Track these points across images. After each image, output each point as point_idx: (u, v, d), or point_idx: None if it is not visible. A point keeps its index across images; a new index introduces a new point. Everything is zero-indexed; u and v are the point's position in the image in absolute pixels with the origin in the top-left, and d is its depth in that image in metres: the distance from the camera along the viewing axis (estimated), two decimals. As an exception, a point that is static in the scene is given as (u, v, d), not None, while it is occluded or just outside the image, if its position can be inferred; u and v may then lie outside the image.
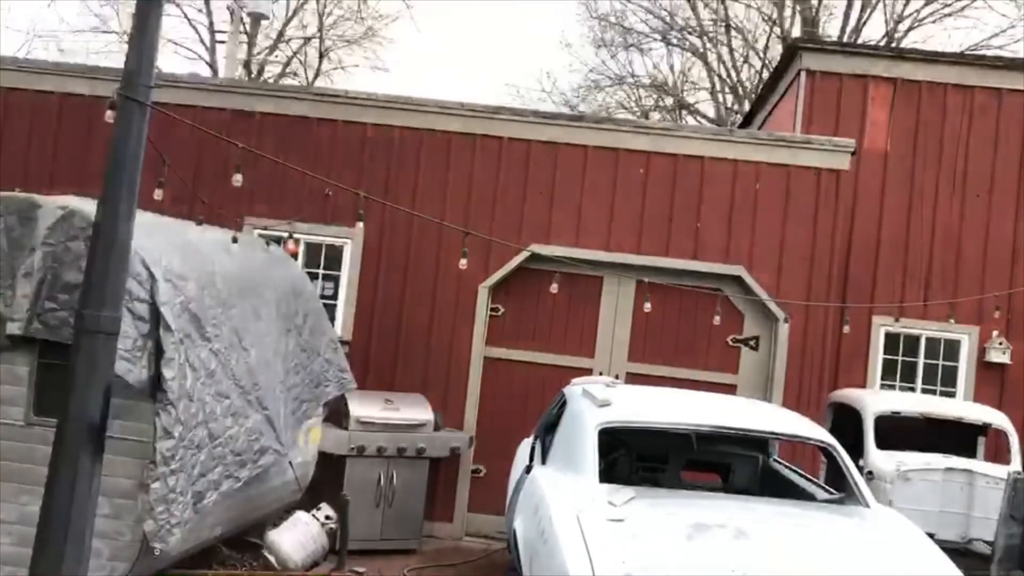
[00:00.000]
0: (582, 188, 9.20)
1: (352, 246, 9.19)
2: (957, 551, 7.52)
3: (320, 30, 27.17)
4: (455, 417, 8.98)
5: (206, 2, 25.95)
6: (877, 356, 10.79)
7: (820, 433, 6.12)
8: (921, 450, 8.83)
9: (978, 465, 8.58)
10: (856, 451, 8.48)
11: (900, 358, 10.84)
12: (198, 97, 9.37)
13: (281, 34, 27.28)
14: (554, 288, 8.42)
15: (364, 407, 8.12)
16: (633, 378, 9.09)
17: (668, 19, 26.77)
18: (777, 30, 25.19)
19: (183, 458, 5.41)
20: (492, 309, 9.28)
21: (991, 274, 10.73)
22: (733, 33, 26.24)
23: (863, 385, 10.67)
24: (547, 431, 6.81)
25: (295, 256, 8.75)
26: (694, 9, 26.32)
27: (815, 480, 6.89)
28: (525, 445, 7.53)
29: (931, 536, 5.90)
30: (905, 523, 5.53)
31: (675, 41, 27.33)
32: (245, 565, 6.87)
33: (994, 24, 37.31)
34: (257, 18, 20.61)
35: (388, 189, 9.20)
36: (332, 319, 8.85)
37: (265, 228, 8.93)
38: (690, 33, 26.87)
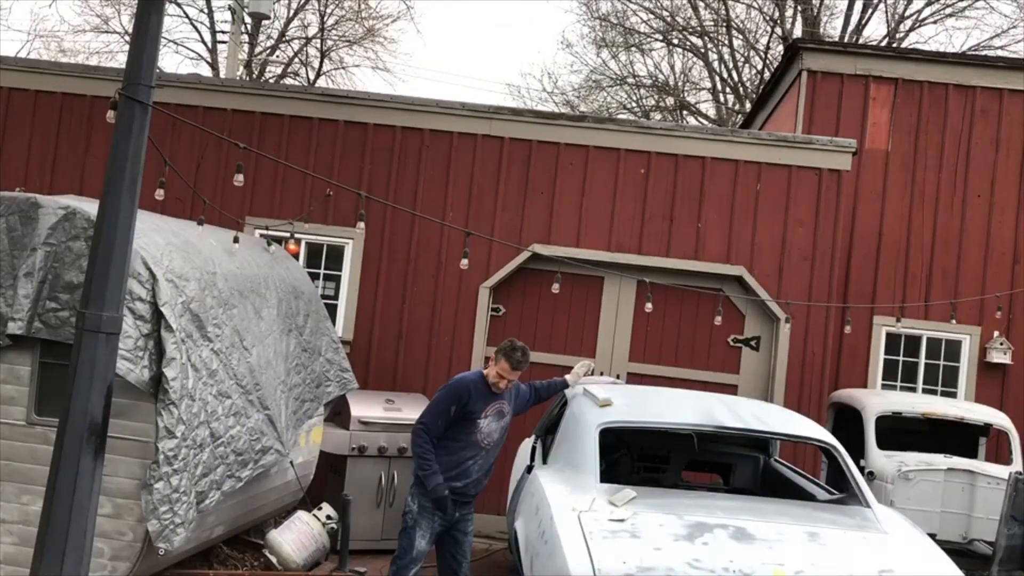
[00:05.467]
0: (583, 188, 9.21)
1: (353, 246, 9.20)
2: (958, 551, 7.53)
3: (321, 30, 27.20)
4: (456, 417, 8.97)
5: (207, 2, 26.00)
6: (878, 356, 10.79)
7: (821, 433, 6.12)
8: (922, 450, 8.83)
9: (979, 465, 8.58)
10: (857, 451, 8.49)
11: (901, 358, 10.83)
12: (199, 97, 9.38)
13: (282, 34, 27.31)
14: (555, 288, 8.43)
15: (365, 407, 8.12)
16: (634, 378, 9.09)
17: (669, 19, 26.77)
18: (778, 30, 25.19)
19: (186, 458, 5.42)
20: (493, 309, 9.29)
21: (992, 274, 10.73)
22: (734, 33, 26.26)
23: (864, 385, 10.66)
24: (548, 431, 6.81)
25: (296, 256, 8.75)
26: (695, 9, 26.33)
27: (816, 480, 6.88)
28: (526, 445, 7.53)
29: (932, 536, 5.91)
30: (906, 524, 5.53)
31: (676, 41, 27.34)
32: (246, 565, 6.87)
33: (995, 25, 37.36)
34: (258, 18, 20.64)
35: (389, 189, 9.21)
36: (333, 319, 8.86)
37: (266, 228, 8.92)
38: (691, 33, 26.87)
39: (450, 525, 5.98)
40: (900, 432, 9.10)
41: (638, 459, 7.44)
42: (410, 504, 5.91)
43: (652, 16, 26.96)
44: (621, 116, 27.21)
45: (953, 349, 10.77)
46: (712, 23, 26.47)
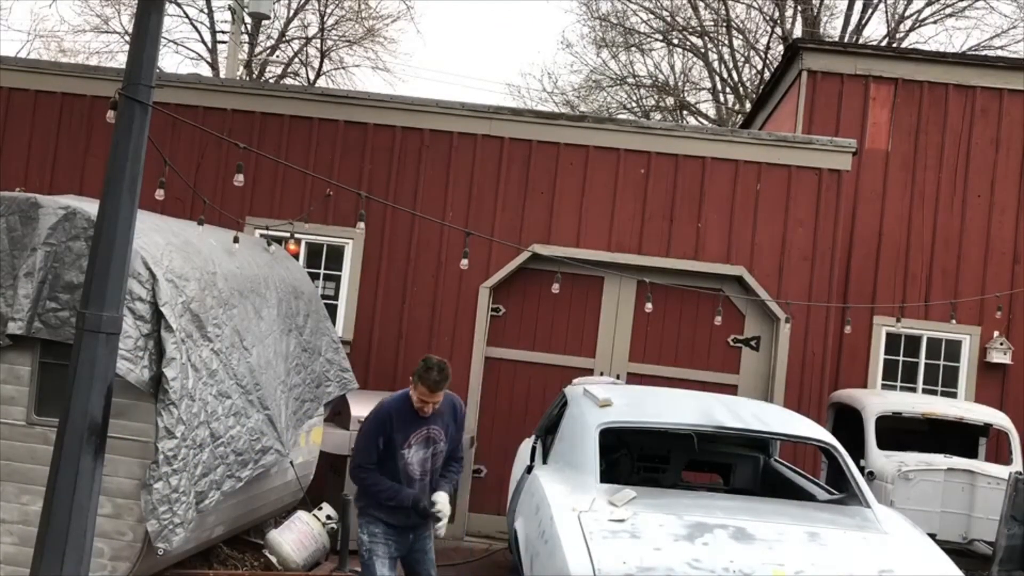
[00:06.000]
0: (583, 188, 9.21)
1: (353, 246, 9.20)
2: (958, 551, 7.53)
3: (321, 30, 27.19)
4: (456, 417, 8.97)
5: (207, 2, 26.00)
6: (878, 356, 10.79)
7: (821, 433, 6.12)
8: (922, 450, 8.83)
9: (979, 465, 8.58)
10: (857, 451, 8.49)
11: (901, 358, 10.83)
12: (199, 97, 9.37)
13: (282, 34, 27.30)
14: (555, 288, 8.43)
15: (365, 407, 8.08)
16: (634, 378, 9.09)
17: (669, 19, 26.77)
18: (778, 30, 25.18)
19: (185, 458, 5.42)
20: (493, 309, 9.29)
21: (992, 274, 10.73)
22: (734, 33, 26.25)
23: (864, 385, 10.66)
24: (548, 431, 6.81)
25: (296, 256, 8.75)
26: (695, 9, 26.32)
27: (816, 480, 6.88)
28: (526, 445, 7.53)
29: (932, 536, 5.91)
30: (906, 524, 5.53)
31: (676, 41, 27.33)
32: (246, 565, 6.87)
33: (995, 25, 37.38)
34: (258, 18, 20.64)
35: (389, 189, 9.21)
36: (333, 319, 8.85)
37: (266, 228, 8.92)
38: (691, 33, 26.87)
39: (408, 548, 5.59)
40: (900, 432, 9.10)
41: (638, 459, 7.44)
42: (361, 536, 5.44)
43: (652, 16, 26.97)
44: (621, 116, 27.21)
45: (953, 349, 10.76)
46: (712, 23, 26.47)
